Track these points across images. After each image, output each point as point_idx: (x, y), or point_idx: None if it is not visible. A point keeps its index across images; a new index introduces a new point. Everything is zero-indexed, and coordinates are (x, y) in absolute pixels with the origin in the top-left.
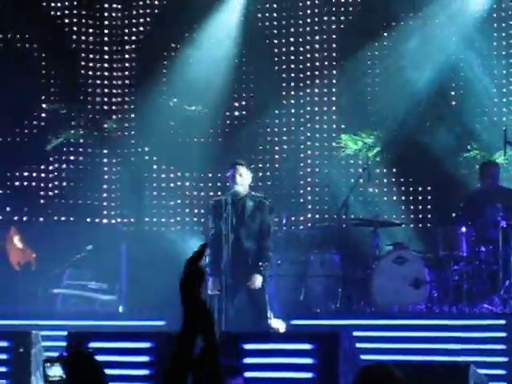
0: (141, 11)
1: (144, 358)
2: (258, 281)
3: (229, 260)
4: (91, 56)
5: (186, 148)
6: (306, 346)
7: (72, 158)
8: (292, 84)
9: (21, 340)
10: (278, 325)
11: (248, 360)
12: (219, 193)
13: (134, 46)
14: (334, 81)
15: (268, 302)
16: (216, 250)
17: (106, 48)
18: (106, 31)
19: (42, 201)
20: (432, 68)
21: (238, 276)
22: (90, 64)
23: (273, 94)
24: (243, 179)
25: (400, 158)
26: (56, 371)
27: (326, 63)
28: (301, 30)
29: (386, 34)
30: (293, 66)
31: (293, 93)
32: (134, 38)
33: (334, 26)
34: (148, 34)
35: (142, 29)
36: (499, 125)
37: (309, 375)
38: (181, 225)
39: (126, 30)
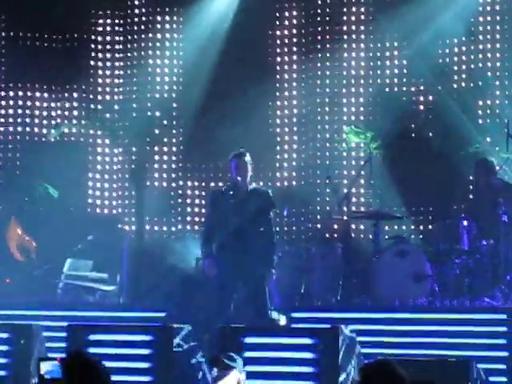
0: None
1: (144, 351)
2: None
3: (228, 252)
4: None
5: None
6: (307, 341)
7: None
8: (294, 76)
9: (22, 332)
10: (279, 318)
11: (248, 354)
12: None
13: None
14: (336, 72)
15: (269, 294)
16: (211, 237)
17: None
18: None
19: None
20: (433, 59)
21: (237, 269)
22: None
23: (273, 84)
24: (245, 171)
25: (401, 151)
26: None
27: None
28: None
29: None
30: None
31: (294, 84)
32: None
33: None
34: None
35: None
36: (501, 118)
37: (310, 369)
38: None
39: None
